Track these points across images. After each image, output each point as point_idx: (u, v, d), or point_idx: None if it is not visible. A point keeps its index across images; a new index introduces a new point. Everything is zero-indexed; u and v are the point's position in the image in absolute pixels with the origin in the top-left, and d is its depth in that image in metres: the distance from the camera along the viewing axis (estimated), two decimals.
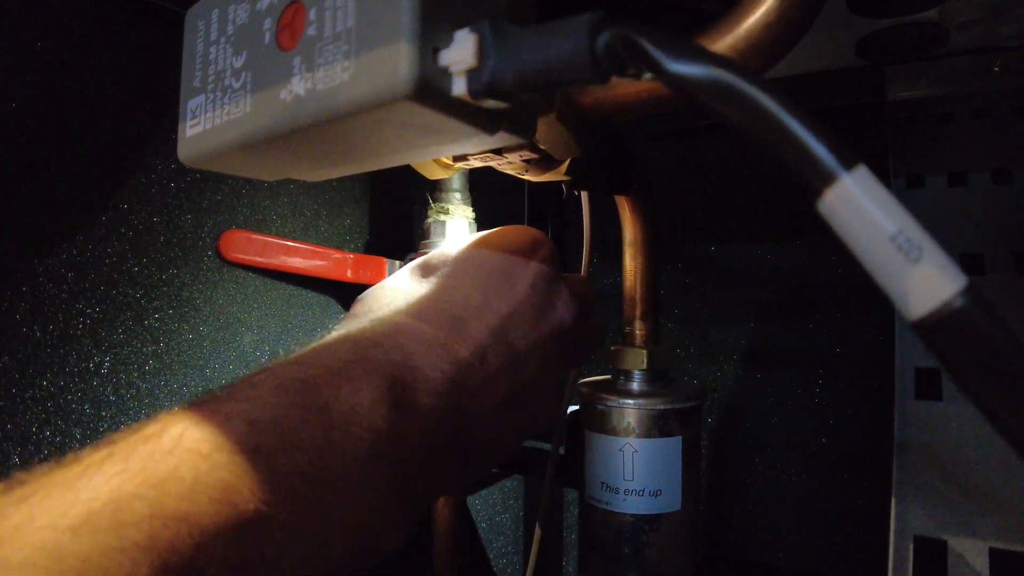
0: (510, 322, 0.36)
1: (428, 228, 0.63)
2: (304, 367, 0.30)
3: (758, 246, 0.79)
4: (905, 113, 0.65)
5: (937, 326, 0.18)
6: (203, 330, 0.59)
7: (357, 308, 0.39)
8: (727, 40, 0.32)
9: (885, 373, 0.68)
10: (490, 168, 0.43)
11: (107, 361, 0.52)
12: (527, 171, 0.41)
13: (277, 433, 0.26)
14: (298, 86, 0.26)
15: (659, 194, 0.53)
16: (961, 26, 0.55)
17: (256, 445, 0.25)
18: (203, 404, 0.27)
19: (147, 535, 0.21)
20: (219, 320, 0.60)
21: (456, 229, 0.62)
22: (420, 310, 0.35)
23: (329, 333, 0.34)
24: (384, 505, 0.30)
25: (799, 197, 0.76)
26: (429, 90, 0.23)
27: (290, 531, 0.25)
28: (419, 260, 0.41)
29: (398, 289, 0.39)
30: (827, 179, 0.19)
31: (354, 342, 0.32)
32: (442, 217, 0.62)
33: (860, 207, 0.18)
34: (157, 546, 0.21)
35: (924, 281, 0.18)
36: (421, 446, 0.31)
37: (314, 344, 0.32)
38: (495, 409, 0.35)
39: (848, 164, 0.18)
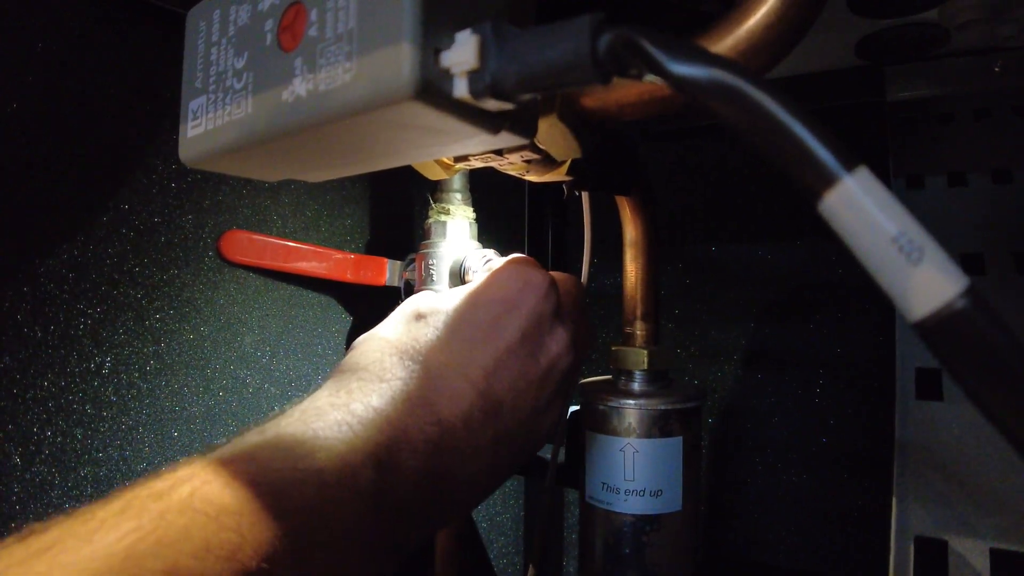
0: (496, 376, 0.38)
1: (429, 228, 0.63)
2: (300, 429, 0.32)
3: (758, 246, 0.79)
4: (905, 113, 0.65)
5: (938, 327, 0.18)
6: (204, 330, 0.59)
7: (349, 362, 0.39)
8: (728, 41, 0.32)
9: (885, 373, 0.68)
10: (491, 169, 0.43)
11: (108, 361, 0.52)
12: (528, 172, 0.42)
13: (276, 495, 0.28)
14: (300, 87, 0.26)
15: (659, 194, 0.53)
16: (961, 26, 0.55)
17: (258, 507, 0.27)
18: (211, 463, 0.29)
19: None
20: (220, 320, 0.60)
21: (457, 229, 0.62)
22: (407, 371, 0.37)
23: (321, 391, 0.36)
24: (372, 556, 0.32)
25: (799, 197, 0.76)
26: (431, 91, 0.23)
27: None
28: (411, 308, 0.42)
29: (387, 343, 0.40)
30: (828, 180, 0.19)
31: (344, 406, 0.34)
32: (443, 217, 0.62)
33: (861, 208, 0.18)
34: None
35: (925, 282, 0.18)
36: (405, 502, 0.33)
37: (307, 404, 0.34)
38: (479, 462, 0.37)
39: (849, 165, 0.19)
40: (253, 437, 0.31)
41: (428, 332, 0.39)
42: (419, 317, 0.41)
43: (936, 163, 0.63)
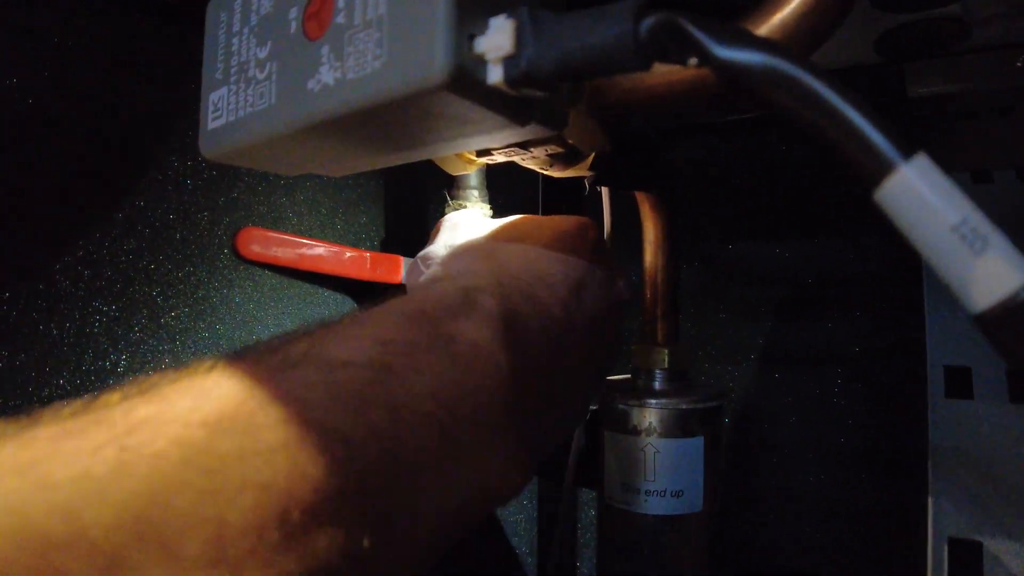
0: (584, 287, 0.38)
1: None
2: (422, 302, 0.30)
3: (776, 244, 0.78)
4: (927, 110, 0.64)
5: (1002, 318, 0.17)
6: (219, 328, 0.58)
7: (445, 268, 0.39)
8: (759, 31, 0.32)
9: (905, 372, 0.67)
10: (510, 164, 0.42)
11: (123, 359, 0.52)
12: (551, 166, 0.41)
13: (408, 353, 0.26)
14: (327, 76, 0.26)
15: (676, 191, 0.53)
16: (984, 21, 0.55)
17: (388, 363, 0.25)
18: (330, 326, 0.27)
19: (279, 437, 0.21)
20: (235, 318, 0.60)
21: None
22: (512, 270, 0.36)
23: (430, 282, 0.35)
24: (505, 445, 0.29)
25: (818, 194, 0.76)
26: (464, 78, 0.22)
27: (421, 455, 0.25)
28: (489, 231, 0.43)
29: (482, 250, 0.39)
30: (885, 168, 0.18)
31: (462, 288, 0.32)
32: None
33: (920, 197, 0.18)
34: (288, 448, 0.21)
35: (989, 272, 0.17)
36: (533, 386, 0.31)
37: (420, 287, 0.33)
38: (578, 358, 0.36)
39: (907, 152, 0.18)
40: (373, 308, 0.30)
41: (518, 245, 0.39)
42: (503, 234, 0.42)
43: (960, 160, 0.62)
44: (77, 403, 0.21)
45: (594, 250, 0.40)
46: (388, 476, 0.23)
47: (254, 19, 0.30)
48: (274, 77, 0.28)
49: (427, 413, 0.25)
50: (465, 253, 0.40)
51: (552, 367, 0.33)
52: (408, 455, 0.24)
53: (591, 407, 0.54)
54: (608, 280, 0.40)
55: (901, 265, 0.68)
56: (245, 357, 0.24)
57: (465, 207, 0.61)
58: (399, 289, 0.68)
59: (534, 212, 0.88)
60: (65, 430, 0.19)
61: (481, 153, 0.40)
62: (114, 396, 0.21)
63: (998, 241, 0.17)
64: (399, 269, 0.68)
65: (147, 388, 0.22)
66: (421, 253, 0.42)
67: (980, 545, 0.43)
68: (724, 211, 0.82)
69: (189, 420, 0.20)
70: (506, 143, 0.34)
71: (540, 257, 0.37)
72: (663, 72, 0.35)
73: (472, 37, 0.23)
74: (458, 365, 0.27)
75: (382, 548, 0.23)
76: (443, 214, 0.62)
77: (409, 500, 0.24)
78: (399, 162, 0.34)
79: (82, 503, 0.17)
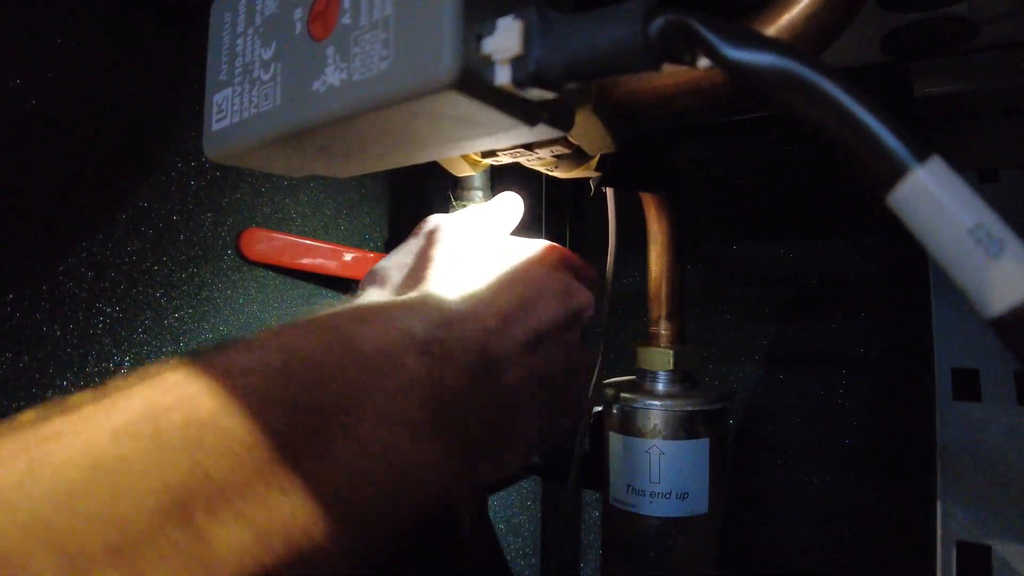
0: (532, 302, 0.37)
1: None
2: (338, 313, 0.31)
3: (780, 245, 0.78)
4: (933, 110, 0.64)
5: (1019, 322, 0.17)
6: (223, 329, 0.58)
7: (372, 278, 0.40)
8: (768, 31, 0.31)
9: (909, 373, 0.67)
10: (514, 164, 0.42)
11: (127, 360, 0.52)
12: (556, 167, 0.41)
13: (311, 358, 0.27)
14: (332, 77, 0.25)
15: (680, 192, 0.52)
16: (990, 20, 0.54)
17: (291, 369, 0.26)
18: (244, 339, 0.28)
19: (182, 439, 0.22)
20: (239, 319, 0.59)
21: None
22: (443, 282, 0.37)
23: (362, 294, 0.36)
24: (429, 450, 0.29)
25: (822, 194, 0.75)
26: (472, 79, 0.22)
27: (324, 453, 0.25)
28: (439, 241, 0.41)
29: (419, 269, 0.39)
30: (899, 171, 0.18)
31: (376, 303, 0.33)
32: None
33: (935, 200, 0.17)
34: (192, 450, 0.22)
35: (1005, 276, 0.17)
36: (455, 393, 0.31)
37: (331, 308, 0.33)
38: (520, 375, 0.35)
39: (922, 155, 0.18)
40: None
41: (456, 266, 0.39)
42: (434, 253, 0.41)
43: (966, 159, 0.62)
44: None
45: (551, 270, 0.40)
46: (289, 476, 0.24)
47: (258, 20, 0.30)
48: (279, 78, 0.28)
49: (330, 414, 0.26)
50: (402, 267, 0.40)
51: (484, 375, 0.33)
52: (312, 455, 0.25)
53: (596, 408, 0.54)
54: (563, 298, 0.39)
55: (906, 266, 0.68)
56: (156, 368, 0.25)
57: (469, 207, 0.61)
58: None
59: (538, 213, 0.88)
60: None
61: (486, 154, 0.40)
62: (30, 415, 0.22)
63: (1014, 245, 0.17)
64: None
65: (63, 404, 0.23)
66: (373, 266, 0.42)
67: (989, 549, 0.43)
68: (727, 211, 0.82)
69: (96, 429, 0.21)
70: (512, 144, 0.34)
71: (479, 280, 0.37)
72: (670, 73, 0.34)
73: (480, 38, 0.22)
74: (367, 370, 0.28)
75: (290, 547, 0.23)
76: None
77: (318, 499, 0.24)
78: (404, 163, 0.33)
79: None
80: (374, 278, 0.41)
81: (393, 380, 0.28)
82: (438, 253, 0.39)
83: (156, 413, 0.22)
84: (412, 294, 0.35)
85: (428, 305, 0.33)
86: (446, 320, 0.33)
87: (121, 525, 0.20)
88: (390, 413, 0.28)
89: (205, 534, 0.21)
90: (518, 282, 0.38)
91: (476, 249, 0.40)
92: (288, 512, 0.23)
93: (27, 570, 0.18)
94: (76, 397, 0.23)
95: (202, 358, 0.25)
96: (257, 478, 0.23)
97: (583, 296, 0.40)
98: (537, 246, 0.42)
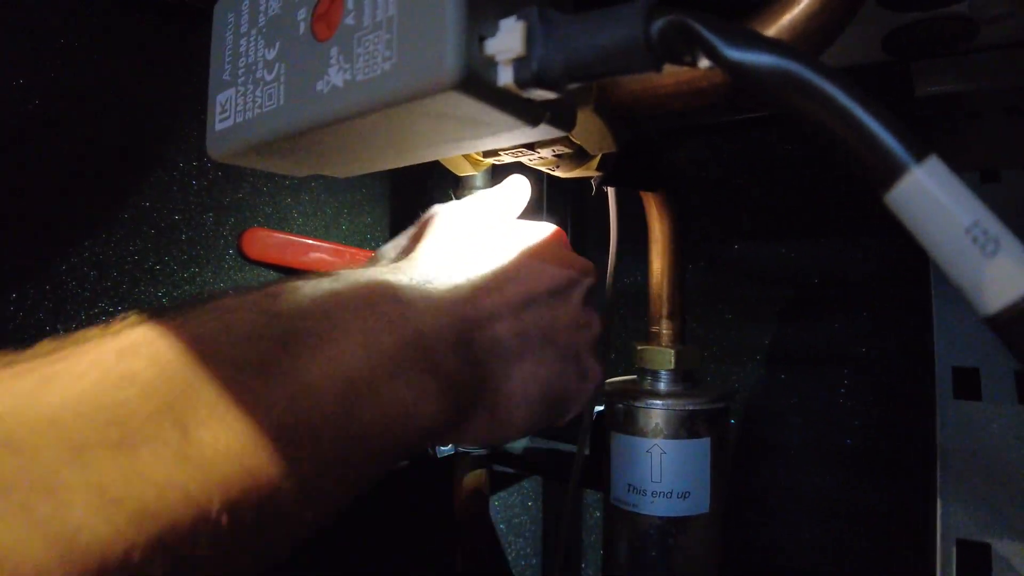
0: (524, 267, 0.39)
1: None
2: (314, 275, 0.33)
3: (781, 244, 0.78)
4: (934, 109, 0.64)
5: (1015, 320, 0.17)
6: None
7: (370, 261, 0.41)
8: (769, 31, 0.32)
9: (912, 373, 0.67)
10: (517, 164, 0.42)
11: None
12: (558, 166, 0.41)
13: (293, 304, 0.29)
14: (336, 77, 0.26)
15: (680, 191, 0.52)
16: (991, 20, 0.54)
17: (276, 310, 0.29)
18: (219, 292, 0.30)
19: (179, 363, 0.24)
20: None
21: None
22: (429, 254, 0.38)
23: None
24: (402, 377, 0.31)
25: (823, 194, 0.75)
26: (475, 80, 0.22)
27: (305, 368, 0.27)
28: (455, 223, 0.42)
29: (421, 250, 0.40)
30: (897, 170, 0.18)
31: (364, 270, 0.34)
32: None
33: (932, 199, 0.18)
34: (185, 370, 0.24)
35: (1001, 274, 0.17)
36: (436, 339, 0.32)
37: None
38: (510, 329, 0.37)
39: (919, 154, 0.18)
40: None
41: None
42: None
43: (967, 159, 0.62)
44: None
45: (548, 242, 0.41)
46: (268, 388, 0.26)
47: (262, 20, 0.30)
48: (282, 78, 0.28)
49: (312, 341, 0.28)
50: (397, 247, 0.42)
51: (467, 336, 0.34)
52: (293, 372, 0.27)
53: (596, 408, 0.54)
54: (559, 265, 0.40)
55: (906, 265, 0.68)
56: (157, 310, 0.28)
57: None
58: None
59: (538, 211, 0.88)
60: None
61: (488, 154, 0.40)
62: (47, 344, 0.25)
63: (1010, 243, 0.17)
64: None
65: (78, 337, 0.25)
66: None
67: (989, 547, 0.43)
68: (728, 211, 0.82)
69: (106, 348, 0.24)
70: (514, 144, 0.34)
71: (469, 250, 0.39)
72: (671, 73, 0.35)
73: (482, 39, 0.23)
74: (346, 308, 0.30)
75: (270, 454, 0.25)
76: None
77: (298, 410, 0.26)
78: (407, 163, 0.34)
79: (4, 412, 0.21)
80: (371, 259, 0.42)
81: (371, 320, 0.30)
82: (431, 231, 0.40)
83: (155, 338, 0.25)
84: (399, 262, 0.37)
85: (410, 264, 0.35)
86: (426, 277, 0.34)
87: (122, 424, 0.22)
88: (369, 345, 0.29)
89: (194, 437, 0.23)
90: (512, 250, 0.39)
91: (473, 229, 0.41)
92: (268, 421, 0.25)
93: (38, 459, 0.20)
94: (85, 331, 0.26)
95: (197, 300, 0.29)
96: (244, 392, 0.25)
97: (581, 263, 0.42)
98: (539, 226, 0.42)
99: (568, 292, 0.40)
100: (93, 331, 0.25)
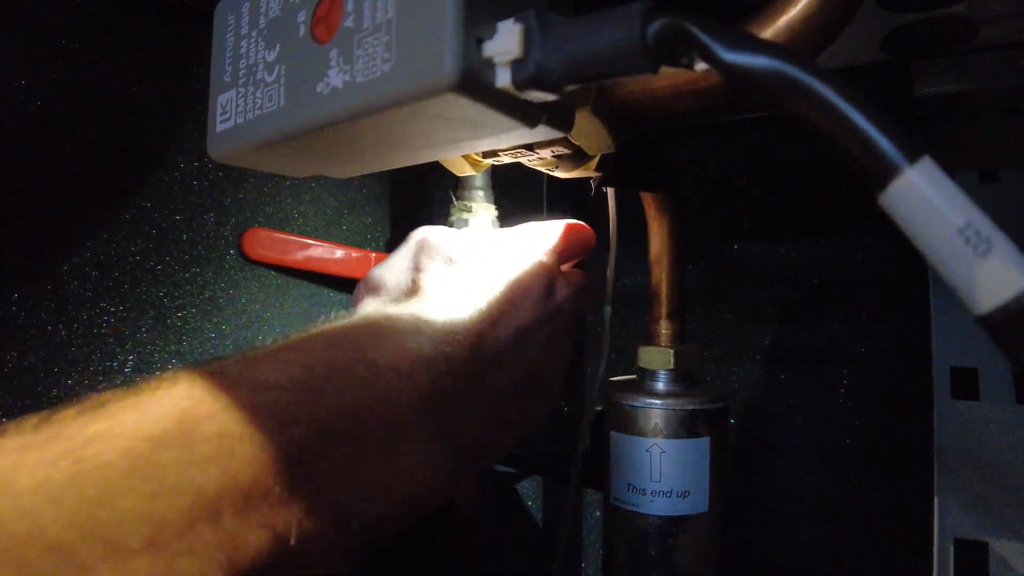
0: (516, 305, 0.40)
1: (451, 225, 0.62)
2: (349, 329, 0.33)
3: (781, 244, 0.78)
4: (933, 109, 0.64)
5: (1007, 320, 0.17)
6: (226, 329, 0.59)
7: (369, 287, 0.42)
8: (766, 33, 0.32)
9: (912, 373, 0.67)
10: (515, 164, 0.42)
11: (131, 360, 0.52)
12: (557, 167, 0.41)
13: (329, 377, 0.29)
14: (335, 79, 0.26)
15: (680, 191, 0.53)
16: (991, 20, 0.55)
17: (312, 386, 0.28)
18: (263, 350, 0.30)
19: (215, 450, 0.24)
20: (242, 319, 0.60)
21: (479, 227, 0.61)
22: (438, 294, 0.39)
23: (353, 314, 0.38)
24: (428, 456, 0.32)
25: (823, 194, 0.75)
26: (473, 82, 0.23)
27: (342, 465, 0.28)
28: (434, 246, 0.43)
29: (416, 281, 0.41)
30: (890, 171, 0.18)
31: (385, 317, 0.35)
32: (465, 215, 0.61)
33: (925, 199, 0.18)
34: (223, 460, 0.24)
35: (993, 274, 0.17)
36: (454, 400, 0.34)
37: (344, 321, 0.35)
38: (507, 376, 0.38)
39: (912, 156, 0.18)
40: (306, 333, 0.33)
41: (451, 270, 0.41)
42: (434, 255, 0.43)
43: (967, 159, 0.62)
44: (36, 418, 0.24)
45: (533, 271, 0.42)
46: (312, 484, 0.26)
47: (262, 22, 0.30)
48: (283, 80, 0.29)
49: (347, 429, 0.28)
50: (391, 276, 0.43)
51: (477, 377, 0.36)
52: (329, 466, 0.27)
53: (596, 408, 0.55)
54: (544, 296, 0.41)
55: (906, 266, 0.68)
56: (186, 376, 0.27)
57: (470, 208, 0.61)
58: None
59: (539, 212, 0.88)
60: (28, 442, 0.22)
61: (487, 154, 0.40)
62: (70, 411, 0.24)
63: (1002, 244, 0.17)
64: None
65: (99, 404, 0.25)
66: (367, 274, 0.44)
67: (986, 546, 0.43)
68: (727, 211, 0.82)
69: (135, 435, 0.23)
70: (513, 145, 0.34)
71: (469, 284, 0.40)
72: (669, 74, 0.35)
73: (480, 41, 0.23)
74: (379, 386, 0.30)
75: (308, 546, 0.26)
76: (448, 215, 0.62)
77: (331, 504, 0.27)
78: (406, 164, 0.34)
79: (42, 506, 0.20)
80: (369, 286, 0.43)
81: (404, 395, 0.31)
82: (429, 262, 0.42)
83: (189, 424, 0.24)
84: (412, 307, 0.37)
85: (432, 322, 0.35)
86: (447, 335, 0.35)
87: (158, 522, 0.22)
88: (396, 424, 0.30)
89: (231, 533, 0.23)
90: (501, 283, 0.40)
91: (464, 254, 0.42)
92: (303, 514, 0.25)
93: (75, 559, 0.20)
94: (108, 395, 0.26)
95: (230, 368, 0.28)
96: (279, 485, 0.25)
97: (564, 291, 0.43)
98: (522, 247, 0.43)
99: (554, 320, 0.41)
100: (117, 395, 0.26)
